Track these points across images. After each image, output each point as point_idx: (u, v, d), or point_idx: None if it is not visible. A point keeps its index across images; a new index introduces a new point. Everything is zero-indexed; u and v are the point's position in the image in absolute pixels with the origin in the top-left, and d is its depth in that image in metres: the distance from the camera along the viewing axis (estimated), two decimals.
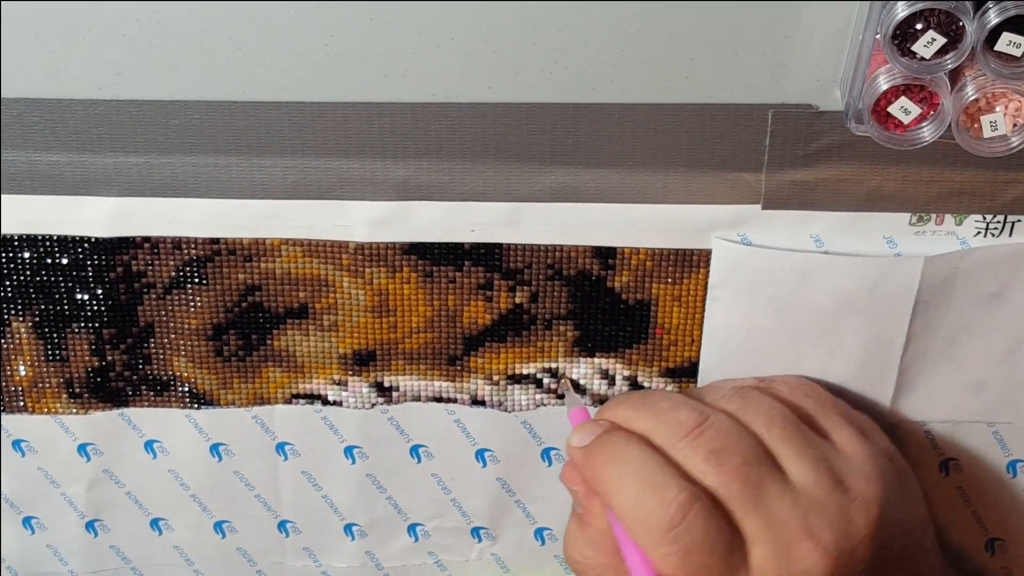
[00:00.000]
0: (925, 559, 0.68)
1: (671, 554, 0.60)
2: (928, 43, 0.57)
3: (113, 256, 0.71)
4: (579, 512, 0.69)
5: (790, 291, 0.69)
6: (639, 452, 0.64)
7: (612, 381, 0.74)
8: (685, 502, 0.61)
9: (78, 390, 0.76)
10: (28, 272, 0.72)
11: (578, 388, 0.75)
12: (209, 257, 0.71)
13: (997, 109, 0.61)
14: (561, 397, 0.75)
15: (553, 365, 0.74)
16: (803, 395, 0.69)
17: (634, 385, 0.74)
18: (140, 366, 0.75)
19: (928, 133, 0.61)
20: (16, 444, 0.78)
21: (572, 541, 0.69)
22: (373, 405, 0.76)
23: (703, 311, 0.71)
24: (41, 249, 0.71)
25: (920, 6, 0.56)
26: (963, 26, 0.57)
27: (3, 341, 0.74)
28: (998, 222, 0.68)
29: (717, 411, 0.65)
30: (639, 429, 0.66)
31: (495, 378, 0.75)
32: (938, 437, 0.75)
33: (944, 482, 0.77)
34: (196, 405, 0.77)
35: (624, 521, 0.63)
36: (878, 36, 0.58)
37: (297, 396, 0.76)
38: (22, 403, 0.77)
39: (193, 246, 0.71)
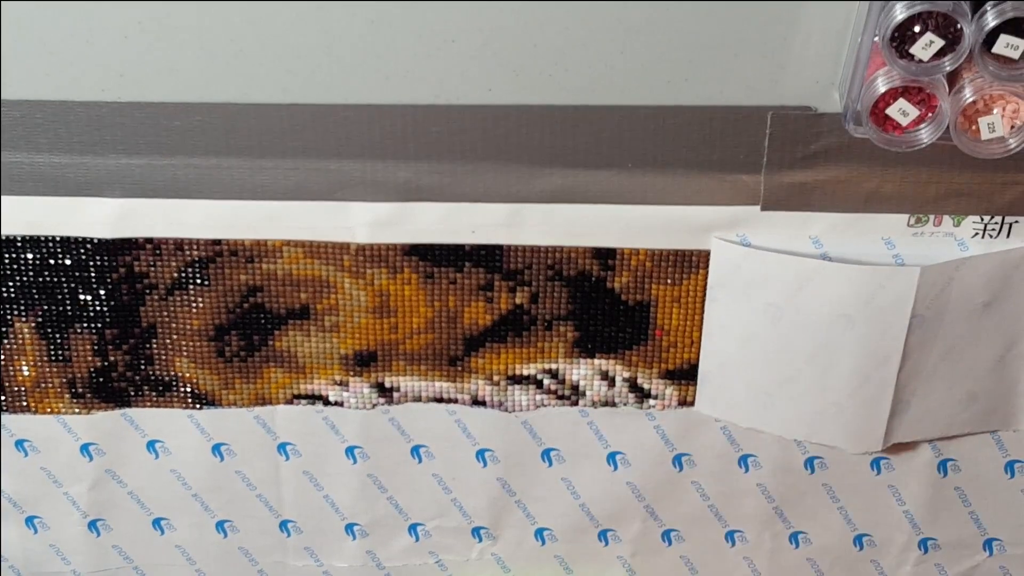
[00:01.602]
0: None
1: None
2: (926, 45, 0.57)
3: (116, 257, 0.72)
4: None
5: (786, 298, 0.69)
6: None
7: (612, 383, 0.75)
8: None
9: (81, 390, 0.76)
10: (31, 273, 0.72)
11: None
12: (211, 258, 0.72)
13: (995, 111, 0.61)
14: (561, 398, 0.76)
15: (553, 366, 0.75)
16: None
17: (634, 387, 0.75)
18: (142, 366, 0.75)
19: (926, 135, 0.62)
20: (19, 444, 0.79)
21: None
22: (374, 405, 0.76)
23: (703, 312, 0.71)
24: (44, 250, 0.71)
25: (918, 8, 0.56)
26: (961, 28, 0.57)
27: (6, 341, 0.75)
28: (996, 223, 0.68)
29: None
30: None
31: (495, 378, 0.75)
32: (936, 438, 0.75)
33: (943, 482, 0.77)
34: (198, 405, 0.77)
35: None
36: (876, 38, 0.58)
37: (298, 396, 0.76)
38: (25, 403, 0.77)
39: (195, 247, 0.71)
